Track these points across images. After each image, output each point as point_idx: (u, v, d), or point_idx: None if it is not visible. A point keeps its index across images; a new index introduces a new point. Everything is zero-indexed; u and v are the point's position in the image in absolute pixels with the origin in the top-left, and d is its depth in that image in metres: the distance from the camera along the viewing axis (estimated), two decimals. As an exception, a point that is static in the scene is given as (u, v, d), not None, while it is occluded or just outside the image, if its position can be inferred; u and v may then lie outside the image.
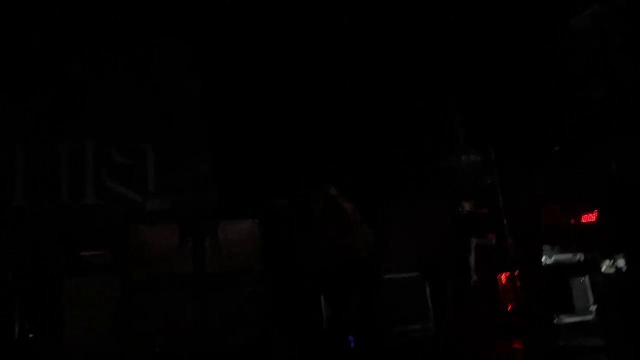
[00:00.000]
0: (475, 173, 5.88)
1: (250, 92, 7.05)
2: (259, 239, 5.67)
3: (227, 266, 5.70)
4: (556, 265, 5.52)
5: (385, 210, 6.19)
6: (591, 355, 4.81)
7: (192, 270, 5.66)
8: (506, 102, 6.48)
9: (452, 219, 5.76)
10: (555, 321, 5.34)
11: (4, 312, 5.29)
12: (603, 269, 4.43)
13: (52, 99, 6.74)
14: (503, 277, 5.79)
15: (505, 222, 5.54)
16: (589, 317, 5.36)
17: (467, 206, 5.81)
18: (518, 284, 5.50)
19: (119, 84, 7.01)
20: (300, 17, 6.96)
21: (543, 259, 5.51)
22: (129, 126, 6.96)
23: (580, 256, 5.47)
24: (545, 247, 5.55)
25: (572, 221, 5.39)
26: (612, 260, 4.35)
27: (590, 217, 5.14)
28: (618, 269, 4.31)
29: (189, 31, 7.18)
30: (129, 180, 6.88)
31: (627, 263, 4.23)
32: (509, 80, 6.46)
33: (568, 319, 5.42)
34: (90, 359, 5.17)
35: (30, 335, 5.29)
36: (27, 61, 6.76)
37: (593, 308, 5.34)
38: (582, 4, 4.62)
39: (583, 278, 5.53)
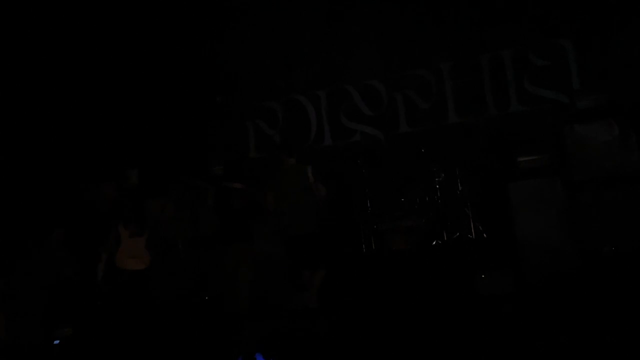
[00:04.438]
0: None
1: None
2: None
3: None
4: None
5: None
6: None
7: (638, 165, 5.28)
8: None
9: None
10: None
11: (460, 215, 5.92)
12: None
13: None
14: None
15: None
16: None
17: None
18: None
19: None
20: None
21: None
22: (544, 24, 6.71)
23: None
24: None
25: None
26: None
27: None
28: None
29: None
30: (552, 82, 6.71)
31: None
32: None
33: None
34: (542, 255, 5.32)
35: (485, 236, 5.80)
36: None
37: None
38: None
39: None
